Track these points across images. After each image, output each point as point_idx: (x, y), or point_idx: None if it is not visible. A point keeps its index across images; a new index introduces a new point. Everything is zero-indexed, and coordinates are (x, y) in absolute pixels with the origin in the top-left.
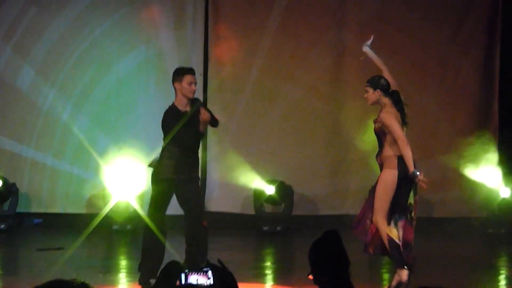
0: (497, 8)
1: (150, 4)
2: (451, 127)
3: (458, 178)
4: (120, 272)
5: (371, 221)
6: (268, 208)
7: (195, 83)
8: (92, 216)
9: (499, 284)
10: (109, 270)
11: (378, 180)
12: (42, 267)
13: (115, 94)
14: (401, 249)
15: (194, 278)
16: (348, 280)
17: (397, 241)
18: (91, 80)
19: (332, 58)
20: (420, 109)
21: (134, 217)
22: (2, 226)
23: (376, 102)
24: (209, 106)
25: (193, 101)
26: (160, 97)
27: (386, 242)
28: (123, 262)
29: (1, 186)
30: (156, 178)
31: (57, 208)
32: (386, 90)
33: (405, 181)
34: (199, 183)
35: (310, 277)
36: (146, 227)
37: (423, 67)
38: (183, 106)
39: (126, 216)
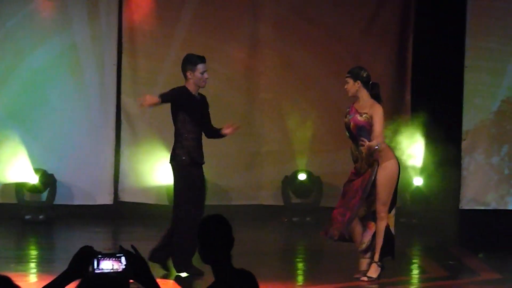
0: (410, 1)
1: None
2: None
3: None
4: (31, 262)
5: (360, 218)
6: None
7: (207, 71)
8: (4, 206)
9: (412, 273)
10: (21, 260)
11: (376, 173)
12: None
13: (29, 86)
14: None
15: (107, 264)
16: (228, 262)
17: (393, 230)
18: (5, 72)
19: (247, 50)
20: (335, 101)
21: (46, 208)
22: None
23: (355, 94)
24: (123, 98)
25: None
26: (74, 89)
27: (381, 233)
28: (33, 252)
29: None
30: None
31: None
32: (366, 82)
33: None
34: None
35: None
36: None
37: (338, 60)
38: (195, 92)
39: (38, 207)
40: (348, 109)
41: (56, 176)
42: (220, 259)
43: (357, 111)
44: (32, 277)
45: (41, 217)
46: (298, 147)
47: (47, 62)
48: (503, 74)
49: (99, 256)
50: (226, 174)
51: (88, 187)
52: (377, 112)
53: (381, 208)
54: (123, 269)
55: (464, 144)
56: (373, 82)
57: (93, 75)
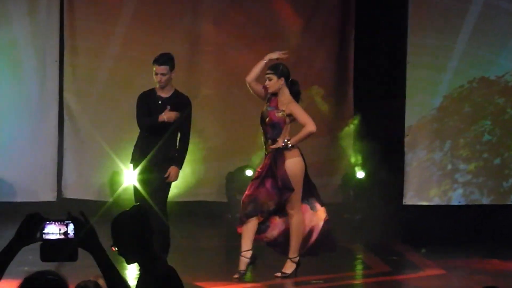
0: None
1: None
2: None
3: (314, 164)
4: None
5: (273, 213)
6: (124, 194)
7: (158, 74)
8: None
9: (356, 268)
10: None
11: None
12: None
13: None
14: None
15: (54, 229)
16: (151, 251)
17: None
18: None
19: (188, 46)
20: None
21: None
22: None
23: (277, 91)
24: (64, 94)
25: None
26: (14, 85)
27: (295, 229)
28: None
29: None
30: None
31: None
32: (287, 78)
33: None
34: None
35: (113, 248)
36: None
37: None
38: (160, 92)
39: None
40: (269, 100)
41: None
42: (143, 254)
43: (277, 107)
44: None
45: None
46: (241, 143)
47: None
48: (444, 70)
49: (47, 222)
50: None
51: (31, 184)
52: (296, 107)
53: (288, 205)
54: (71, 236)
55: (406, 140)
56: (292, 79)
57: (34, 71)
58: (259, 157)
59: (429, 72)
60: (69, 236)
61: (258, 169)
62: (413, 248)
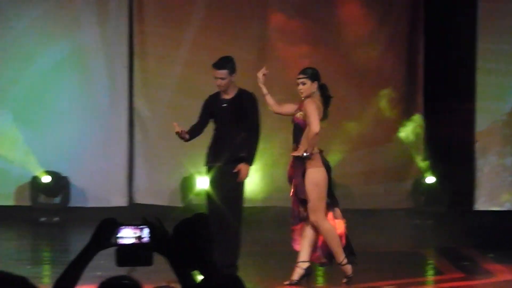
0: (419, 2)
1: None
2: (376, 121)
3: (384, 169)
4: (45, 264)
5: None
6: (195, 199)
7: (218, 78)
8: (18, 208)
9: (427, 274)
10: (35, 262)
11: (306, 181)
12: None
13: (38, 89)
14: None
15: (129, 233)
16: (209, 261)
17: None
18: (14, 74)
19: (256, 52)
20: (344, 103)
21: (60, 210)
22: None
23: (310, 95)
24: (135, 100)
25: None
26: (84, 91)
27: (306, 237)
28: (48, 254)
29: None
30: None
31: None
32: (319, 82)
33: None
34: None
35: None
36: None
37: (346, 61)
38: (223, 95)
39: (53, 209)
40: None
41: (70, 179)
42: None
43: (300, 108)
44: (46, 279)
45: (55, 219)
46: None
47: (57, 65)
48: None
49: (122, 226)
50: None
51: (102, 190)
52: (308, 104)
53: (310, 215)
54: (147, 241)
55: (477, 146)
56: (323, 84)
57: (103, 77)
58: (333, 163)
59: (499, 78)
60: (144, 240)
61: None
62: (484, 254)
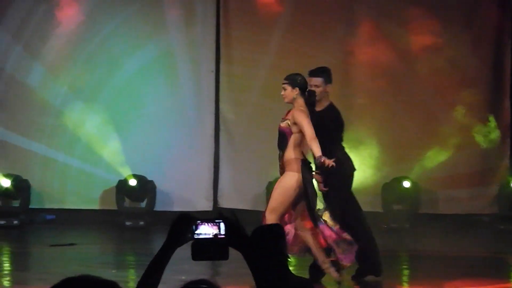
0: (506, 3)
1: (160, 2)
2: (461, 125)
3: (469, 174)
4: (130, 268)
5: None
6: None
7: (312, 86)
8: (104, 212)
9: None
10: (120, 266)
11: (278, 181)
12: (54, 263)
13: (125, 92)
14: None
15: (205, 229)
16: (285, 273)
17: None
18: (101, 78)
19: (341, 55)
20: (427, 107)
21: (146, 214)
22: (15, 222)
23: (292, 101)
24: (220, 104)
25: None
26: (170, 95)
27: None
28: (134, 259)
29: (11, 184)
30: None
31: (69, 204)
32: (303, 89)
33: (310, 183)
34: None
35: None
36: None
37: (430, 64)
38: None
39: (138, 213)
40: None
41: (156, 183)
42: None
43: (286, 116)
44: (132, 283)
45: (141, 223)
46: (398, 152)
47: (144, 68)
48: None
49: (198, 221)
50: None
51: (188, 194)
52: (298, 113)
53: (267, 215)
54: (222, 235)
55: None
56: (310, 90)
57: (189, 81)
58: (421, 168)
59: None
60: (220, 235)
61: None
62: None
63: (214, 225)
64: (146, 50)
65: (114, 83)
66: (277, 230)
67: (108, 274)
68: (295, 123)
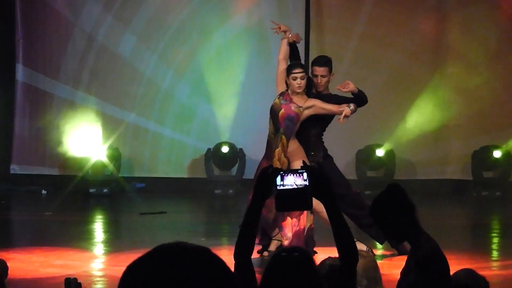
0: None
1: None
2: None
3: None
4: (222, 237)
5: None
6: (370, 173)
7: (318, 76)
8: (194, 180)
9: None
10: (211, 234)
11: None
12: (145, 232)
13: (215, 61)
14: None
15: (289, 180)
16: (416, 225)
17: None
18: (192, 48)
19: (433, 23)
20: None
21: (235, 182)
22: (105, 190)
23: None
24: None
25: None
26: (260, 65)
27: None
28: (224, 227)
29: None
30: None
31: (159, 172)
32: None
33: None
34: None
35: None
36: None
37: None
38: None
39: (228, 181)
40: (282, 94)
41: (245, 151)
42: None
43: (292, 101)
44: (224, 251)
45: (230, 191)
46: (485, 121)
47: (234, 38)
48: None
49: (282, 172)
50: (413, 148)
51: None
52: (316, 101)
53: None
54: (305, 185)
55: None
56: (308, 76)
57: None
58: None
59: None
60: (303, 185)
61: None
62: None
63: (297, 175)
64: (236, 20)
65: (205, 53)
66: (392, 190)
67: (197, 242)
68: (308, 108)
